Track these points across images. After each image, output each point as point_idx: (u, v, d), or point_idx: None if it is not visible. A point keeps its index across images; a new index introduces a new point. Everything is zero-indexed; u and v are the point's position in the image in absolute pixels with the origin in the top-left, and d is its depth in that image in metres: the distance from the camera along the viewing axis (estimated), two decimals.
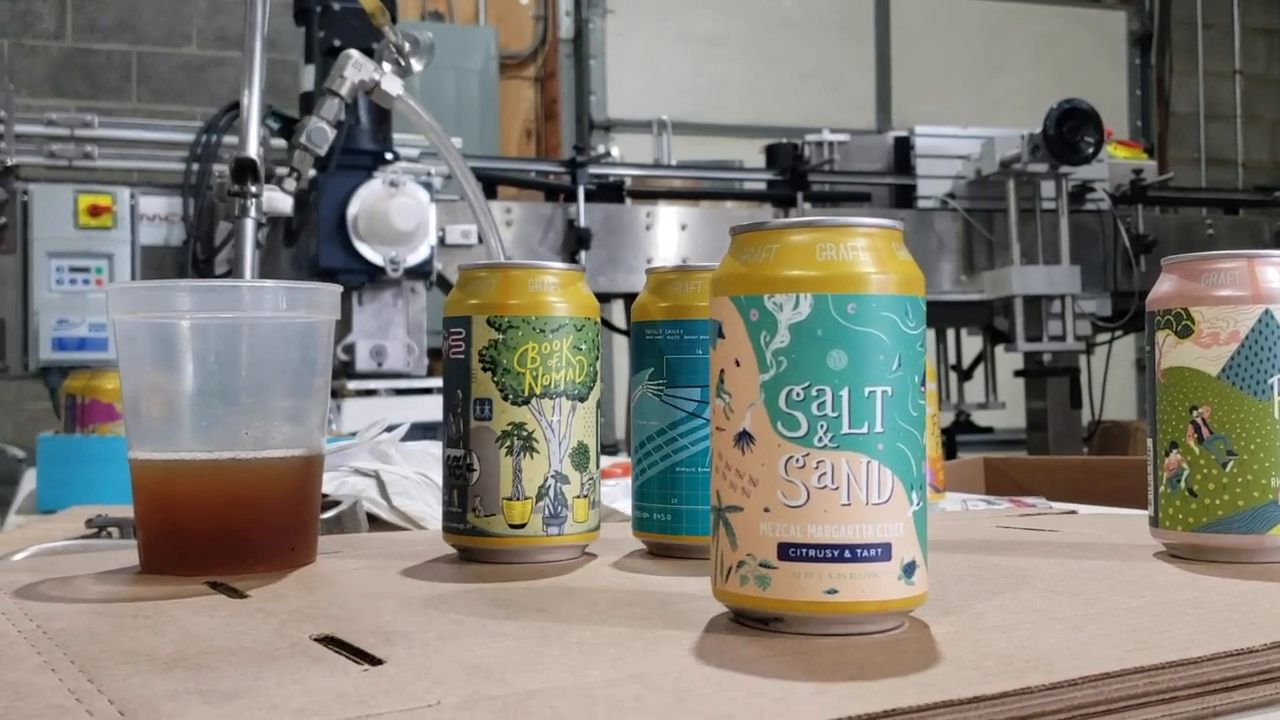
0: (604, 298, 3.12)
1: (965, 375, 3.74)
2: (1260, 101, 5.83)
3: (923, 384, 0.46)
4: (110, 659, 0.42)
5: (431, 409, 2.41)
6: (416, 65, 1.34)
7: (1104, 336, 3.54)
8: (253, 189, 1.03)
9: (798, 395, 0.44)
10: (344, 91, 1.30)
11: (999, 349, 3.52)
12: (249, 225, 1.03)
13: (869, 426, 0.44)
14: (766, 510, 0.45)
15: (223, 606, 0.51)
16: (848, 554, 0.44)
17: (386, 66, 1.32)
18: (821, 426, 0.44)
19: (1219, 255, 0.61)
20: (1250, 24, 5.82)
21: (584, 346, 0.64)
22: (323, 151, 1.31)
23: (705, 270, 0.64)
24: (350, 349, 2.58)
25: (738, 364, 0.46)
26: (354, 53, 1.32)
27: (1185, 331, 0.61)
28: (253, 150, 1.02)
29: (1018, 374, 3.50)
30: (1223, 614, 0.48)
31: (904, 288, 0.45)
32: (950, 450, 3.62)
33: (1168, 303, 0.62)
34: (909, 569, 0.45)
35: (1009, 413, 3.74)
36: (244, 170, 1.02)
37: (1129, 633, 0.45)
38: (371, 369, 2.58)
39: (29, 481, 1.73)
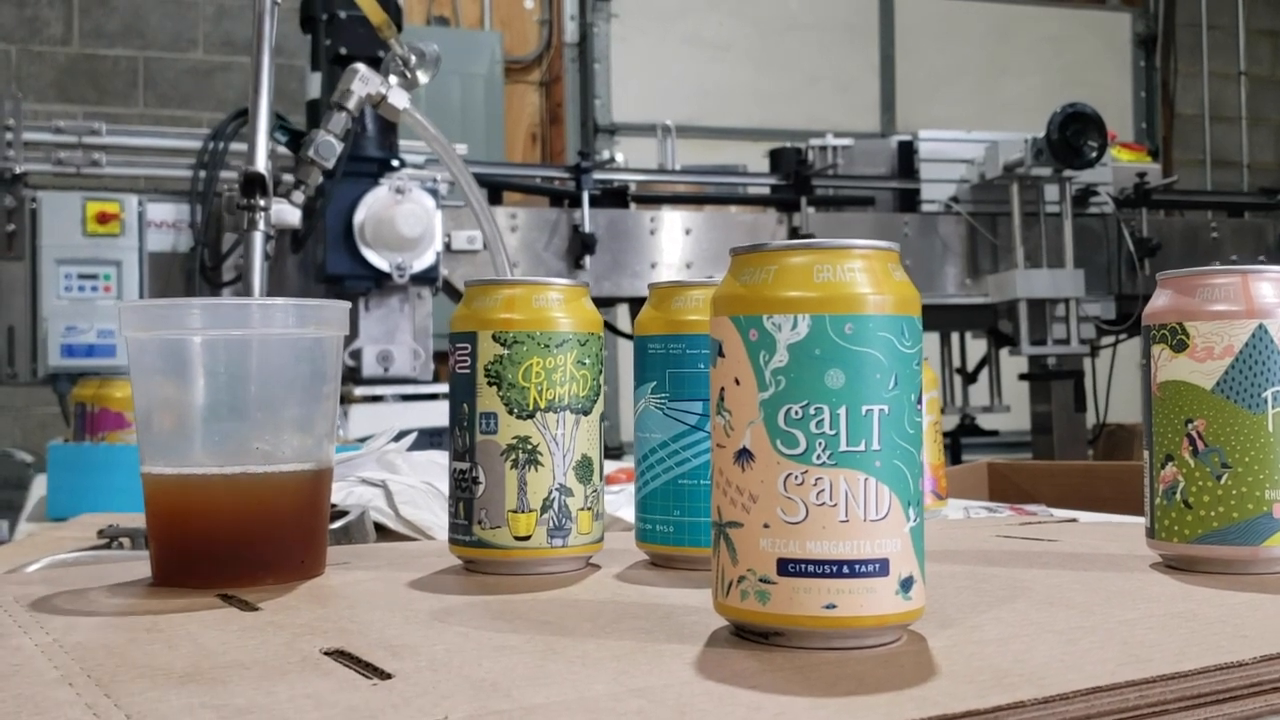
0: (608, 302, 3.14)
1: (970, 378, 3.74)
2: (1265, 103, 5.83)
3: (919, 401, 0.47)
4: (126, 673, 0.43)
5: (438, 414, 2.43)
6: (423, 78, 1.35)
7: (1108, 340, 3.55)
8: (261, 202, 1.04)
9: (796, 414, 0.45)
10: (350, 105, 1.31)
11: (1003, 352, 3.53)
12: (257, 238, 1.04)
13: (866, 444, 0.45)
14: (766, 526, 0.46)
15: (234, 620, 0.52)
16: (846, 570, 0.45)
17: (392, 79, 1.33)
18: (820, 444, 0.45)
19: (1213, 270, 0.62)
20: (1255, 25, 5.82)
21: (587, 361, 0.65)
22: (330, 165, 1.32)
23: (706, 285, 0.65)
24: (357, 355, 2.59)
25: (737, 382, 0.47)
26: (360, 66, 1.34)
27: (1180, 346, 0.62)
28: (261, 164, 1.03)
29: (1022, 377, 3.50)
30: (1215, 626, 0.49)
31: (900, 308, 0.46)
32: (955, 453, 3.63)
33: (1163, 317, 0.63)
34: (906, 584, 0.46)
35: (1014, 416, 3.75)
36: (252, 184, 1.04)
37: (1122, 646, 0.46)
38: (378, 374, 2.60)
39: (38, 487, 1.75)
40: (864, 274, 0.46)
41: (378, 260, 2.53)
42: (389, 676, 0.42)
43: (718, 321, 0.48)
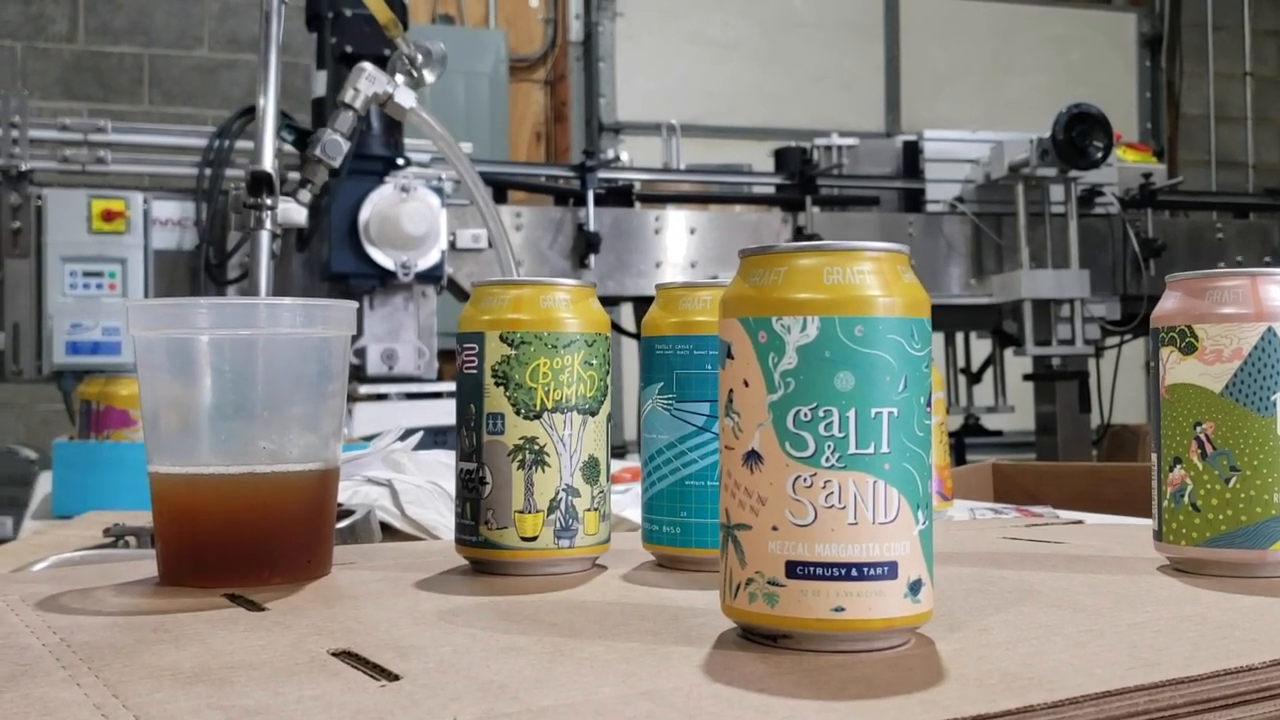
0: (613, 301, 3.14)
1: (974, 378, 3.74)
2: (1270, 103, 5.82)
3: (928, 404, 0.47)
4: (134, 673, 0.43)
5: (442, 413, 2.43)
6: (429, 76, 1.35)
7: (1113, 340, 3.54)
8: (268, 201, 1.04)
9: (805, 416, 0.45)
10: (357, 104, 1.31)
11: (1008, 352, 3.53)
12: (264, 237, 1.04)
13: (875, 447, 0.45)
14: (775, 529, 0.45)
15: (242, 620, 0.52)
16: (854, 572, 0.45)
17: (399, 78, 1.33)
18: (829, 447, 0.45)
19: (1222, 273, 0.62)
20: (1261, 26, 5.81)
21: (595, 361, 0.65)
22: (337, 164, 1.32)
23: (714, 286, 0.65)
24: (361, 353, 2.59)
25: (746, 384, 0.47)
26: (367, 65, 1.34)
27: (1189, 348, 0.62)
28: (268, 163, 1.03)
29: (1027, 378, 3.50)
30: (1224, 630, 0.49)
31: (910, 310, 0.46)
32: (959, 454, 3.62)
33: (1171, 319, 0.63)
34: (915, 587, 0.46)
35: (1018, 416, 3.75)
36: (259, 183, 1.04)
37: (1131, 649, 0.45)
38: (382, 373, 2.60)
39: (43, 484, 1.75)
40: (874, 276, 0.46)
41: (382, 258, 2.53)
42: (397, 678, 0.42)
43: (727, 323, 0.48)
